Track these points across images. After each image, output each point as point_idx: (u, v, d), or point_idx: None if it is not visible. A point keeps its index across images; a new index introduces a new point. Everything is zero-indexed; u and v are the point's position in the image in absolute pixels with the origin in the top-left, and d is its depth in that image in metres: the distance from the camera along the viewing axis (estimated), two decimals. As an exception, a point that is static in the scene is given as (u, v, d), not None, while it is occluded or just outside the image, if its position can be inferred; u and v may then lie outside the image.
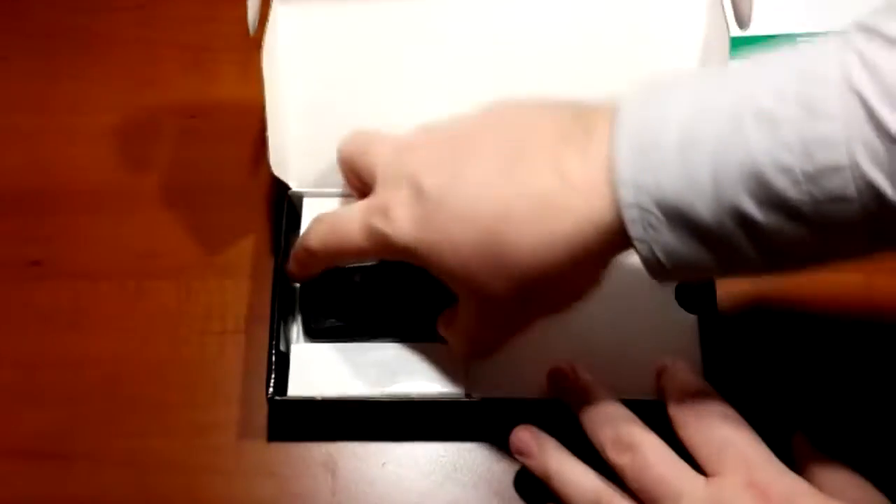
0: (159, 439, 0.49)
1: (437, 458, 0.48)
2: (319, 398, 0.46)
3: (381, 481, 0.48)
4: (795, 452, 0.42)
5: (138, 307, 0.52)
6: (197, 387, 0.50)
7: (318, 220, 0.45)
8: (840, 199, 0.32)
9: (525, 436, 0.44)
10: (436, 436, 0.49)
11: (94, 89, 0.58)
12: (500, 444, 0.47)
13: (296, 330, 0.49)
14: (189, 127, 0.57)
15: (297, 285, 0.49)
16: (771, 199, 0.33)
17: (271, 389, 0.46)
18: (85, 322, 0.51)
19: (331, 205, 0.50)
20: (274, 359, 0.46)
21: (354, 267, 0.48)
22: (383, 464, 0.48)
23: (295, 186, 0.50)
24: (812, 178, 0.32)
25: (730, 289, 0.50)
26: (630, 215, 0.35)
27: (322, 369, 0.47)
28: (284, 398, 0.46)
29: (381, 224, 0.40)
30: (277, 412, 0.49)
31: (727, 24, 0.47)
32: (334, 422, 0.49)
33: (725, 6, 0.47)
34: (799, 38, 0.55)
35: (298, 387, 0.47)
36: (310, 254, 0.45)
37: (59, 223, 0.54)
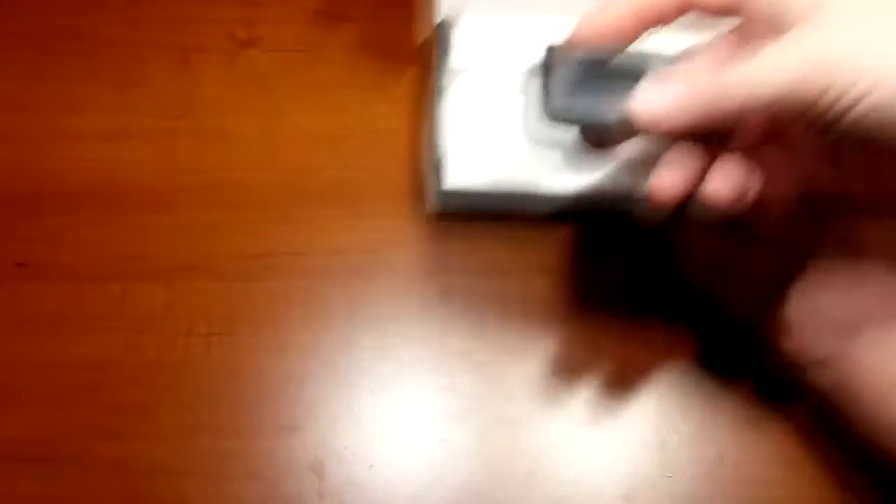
0: (145, 442, 0.48)
1: (425, 462, 0.48)
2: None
3: (368, 484, 0.48)
4: None
5: (123, 310, 0.51)
6: (183, 389, 0.50)
7: None
8: None
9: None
10: (424, 439, 0.48)
11: (80, 89, 0.57)
12: (489, 448, 0.47)
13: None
14: (175, 128, 0.56)
15: None
16: None
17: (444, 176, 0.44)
18: (69, 325, 0.51)
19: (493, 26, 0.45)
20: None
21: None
22: (370, 466, 0.48)
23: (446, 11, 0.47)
24: None
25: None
26: None
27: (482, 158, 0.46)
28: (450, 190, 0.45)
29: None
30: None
31: None
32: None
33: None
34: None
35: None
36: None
37: (43, 225, 0.53)
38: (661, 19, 0.36)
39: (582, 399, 0.49)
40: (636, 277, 0.52)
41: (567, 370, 0.50)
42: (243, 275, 0.52)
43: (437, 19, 0.48)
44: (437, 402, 0.49)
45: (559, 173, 0.46)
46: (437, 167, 0.47)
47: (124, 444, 0.48)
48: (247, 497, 0.47)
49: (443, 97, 0.47)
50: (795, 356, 0.43)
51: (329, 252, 0.52)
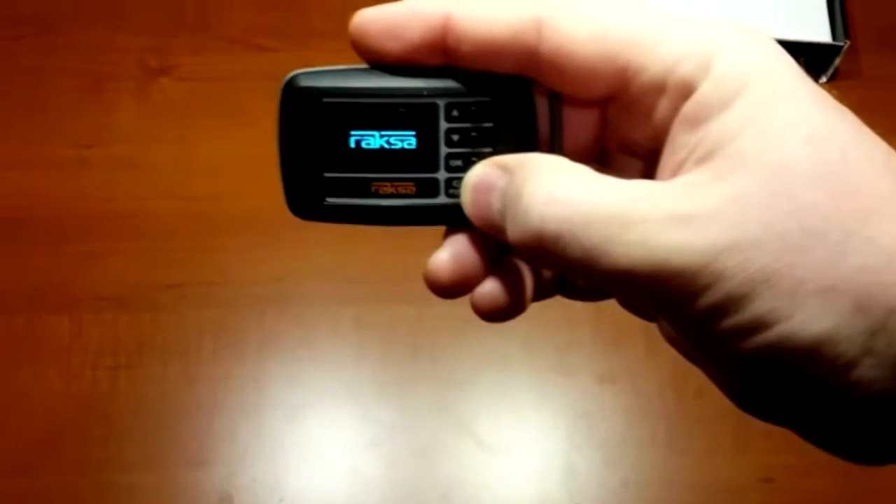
0: (51, 476, 0.48)
1: (336, 492, 0.48)
2: None
3: (278, 516, 0.47)
4: None
5: (28, 342, 0.50)
6: (90, 423, 0.49)
7: None
8: None
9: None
10: (335, 469, 0.48)
11: (-13, 118, 0.57)
12: (400, 476, 0.47)
13: None
14: (86, 157, 0.56)
15: None
16: None
17: None
18: (-27, 357, 0.50)
19: None
20: None
21: None
22: (280, 499, 0.48)
23: None
24: None
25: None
26: None
27: None
28: None
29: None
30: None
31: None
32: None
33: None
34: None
35: None
36: None
37: (-54, 256, 0.52)
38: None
39: (492, 426, 0.49)
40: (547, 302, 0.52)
41: (477, 397, 0.50)
42: (153, 305, 0.51)
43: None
44: (348, 432, 0.49)
45: None
46: None
47: (29, 478, 0.47)
48: (154, 531, 0.47)
49: None
50: None
51: (241, 282, 0.52)
